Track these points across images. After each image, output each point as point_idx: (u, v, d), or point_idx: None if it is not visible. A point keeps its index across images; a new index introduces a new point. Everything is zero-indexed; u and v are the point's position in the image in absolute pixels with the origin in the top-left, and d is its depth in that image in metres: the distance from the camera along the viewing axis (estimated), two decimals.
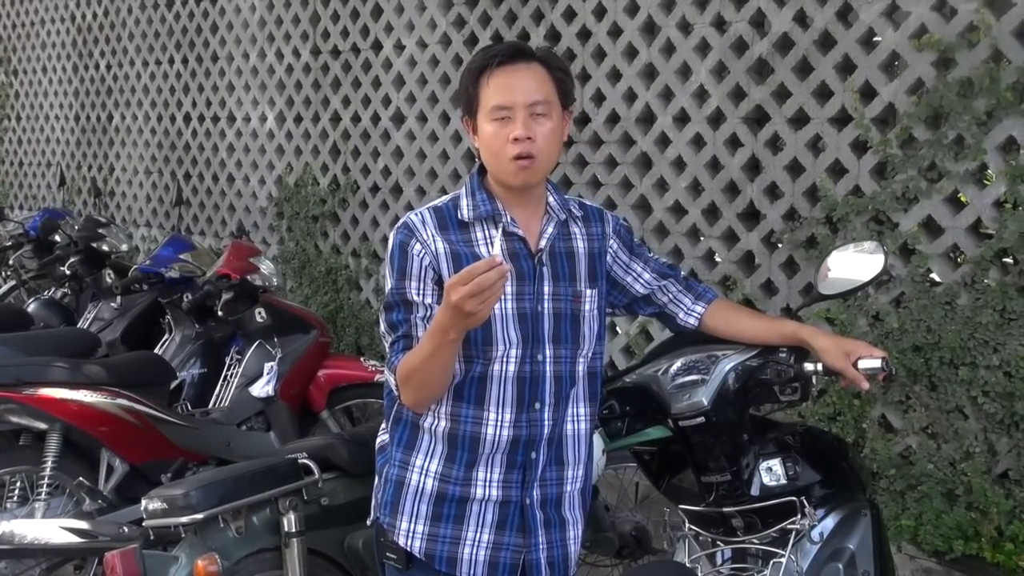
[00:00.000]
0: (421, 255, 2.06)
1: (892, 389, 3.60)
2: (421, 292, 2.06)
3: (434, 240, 2.07)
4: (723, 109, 4.12)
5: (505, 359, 2.06)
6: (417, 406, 2.09)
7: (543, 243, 2.13)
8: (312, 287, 6.05)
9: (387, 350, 2.11)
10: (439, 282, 2.04)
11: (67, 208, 7.78)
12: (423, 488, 2.12)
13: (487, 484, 2.10)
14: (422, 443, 2.13)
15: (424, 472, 2.12)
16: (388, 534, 2.16)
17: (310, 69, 6.01)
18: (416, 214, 2.12)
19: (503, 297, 2.04)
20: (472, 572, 2.11)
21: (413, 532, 2.12)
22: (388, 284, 2.11)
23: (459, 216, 2.11)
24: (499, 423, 2.08)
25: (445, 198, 2.16)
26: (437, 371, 1.98)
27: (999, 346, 3.33)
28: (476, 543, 2.11)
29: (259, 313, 4.48)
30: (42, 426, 3.79)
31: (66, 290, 5.91)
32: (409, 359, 2.01)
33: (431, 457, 2.12)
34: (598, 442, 2.38)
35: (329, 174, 5.96)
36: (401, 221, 2.12)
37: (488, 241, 2.08)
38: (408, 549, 2.12)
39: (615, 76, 4.51)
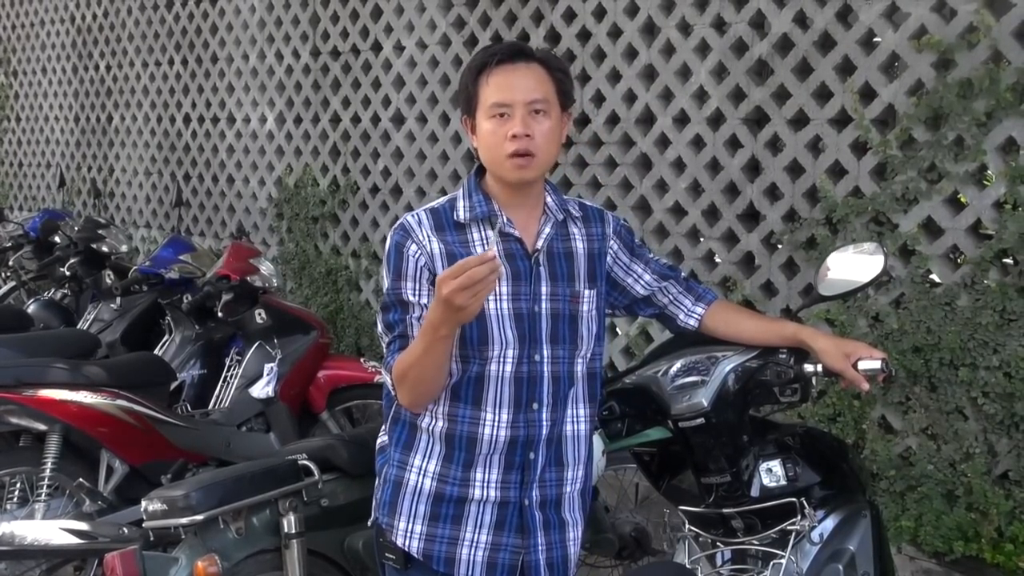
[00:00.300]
0: (417, 256, 2.07)
1: (892, 390, 3.60)
2: (417, 292, 2.06)
3: (430, 241, 2.08)
4: (723, 110, 4.12)
5: (502, 359, 2.06)
6: (414, 406, 2.09)
7: (540, 243, 2.13)
8: (312, 288, 6.05)
9: (384, 350, 2.11)
10: (434, 282, 2.04)
11: (67, 209, 7.78)
12: (421, 488, 2.12)
13: (485, 485, 2.10)
14: (420, 443, 2.13)
15: (422, 472, 2.12)
16: (386, 534, 2.16)
17: (310, 70, 6.01)
18: (413, 215, 2.12)
19: (499, 297, 2.05)
20: (470, 573, 2.11)
21: (411, 532, 2.12)
22: (385, 285, 2.12)
23: (455, 217, 2.11)
24: (496, 423, 2.08)
25: (442, 199, 2.17)
26: (430, 369, 1.98)
27: (999, 347, 3.33)
28: (474, 544, 2.11)
29: (259, 314, 4.48)
30: (42, 427, 3.79)
31: (66, 291, 5.92)
32: (404, 358, 2.01)
33: (429, 457, 2.12)
34: (598, 443, 2.38)
35: (329, 175, 5.96)
36: (398, 222, 2.13)
37: (484, 242, 2.08)
38: (406, 549, 2.13)
39: (615, 77, 4.51)
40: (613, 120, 4.54)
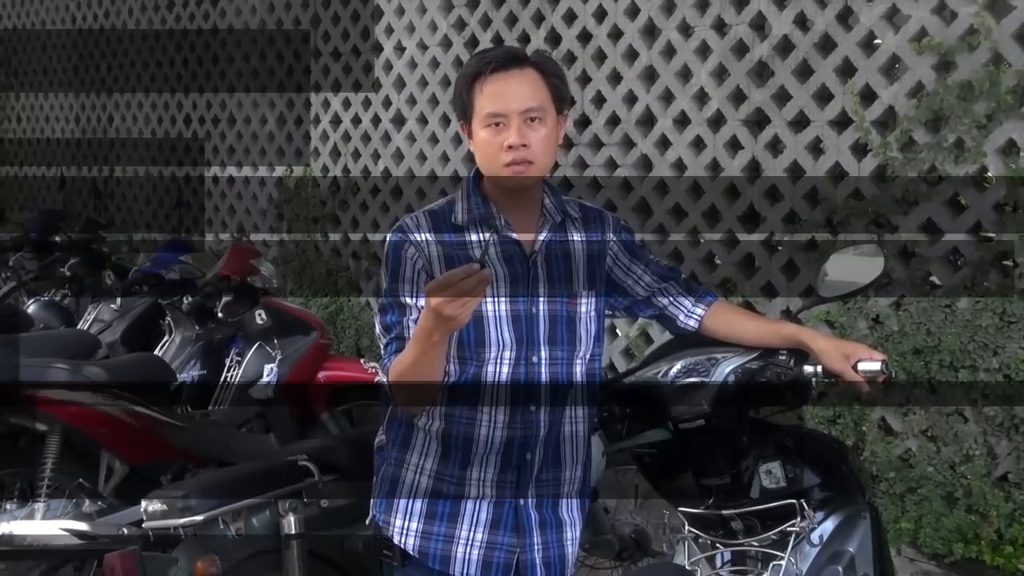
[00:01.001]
0: (415, 258, 2.07)
1: (892, 392, 3.60)
2: (414, 295, 2.07)
3: (427, 243, 2.08)
4: (723, 111, 4.12)
5: (499, 360, 2.07)
6: (410, 407, 2.10)
7: (538, 245, 2.13)
8: (312, 289, 6.05)
9: (382, 351, 2.12)
10: None
11: (67, 209, 7.78)
12: (418, 486, 2.12)
13: (481, 483, 2.10)
14: (417, 441, 2.14)
15: (419, 470, 2.13)
16: (383, 531, 2.16)
17: (310, 70, 6.01)
18: (411, 217, 2.13)
19: (496, 299, 2.06)
20: (466, 571, 2.11)
21: (407, 529, 2.13)
22: (383, 286, 2.12)
23: (453, 219, 2.12)
24: (493, 424, 2.08)
25: (440, 201, 2.18)
26: (425, 372, 1.99)
27: (999, 349, 3.33)
28: (470, 542, 2.11)
29: (259, 315, 4.47)
30: (42, 427, 3.78)
31: (66, 292, 5.91)
32: (399, 360, 2.02)
33: (426, 455, 2.13)
34: (598, 444, 2.38)
35: (329, 176, 5.96)
36: (396, 224, 2.14)
37: (482, 244, 2.08)
38: (402, 547, 2.13)
39: (615, 78, 4.51)
40: (613, 121, 4.54)
